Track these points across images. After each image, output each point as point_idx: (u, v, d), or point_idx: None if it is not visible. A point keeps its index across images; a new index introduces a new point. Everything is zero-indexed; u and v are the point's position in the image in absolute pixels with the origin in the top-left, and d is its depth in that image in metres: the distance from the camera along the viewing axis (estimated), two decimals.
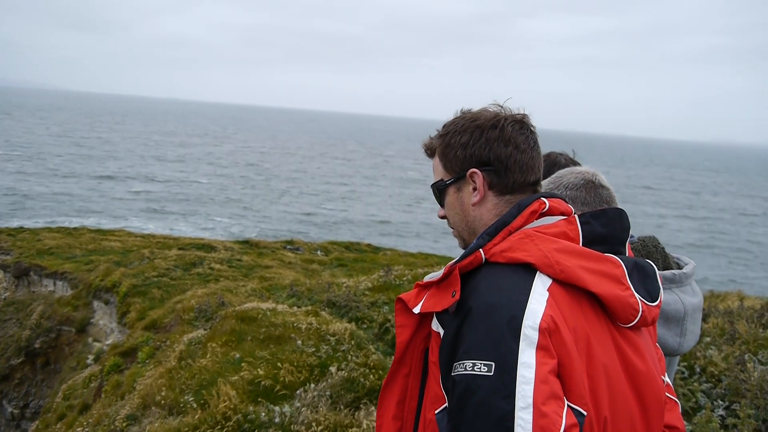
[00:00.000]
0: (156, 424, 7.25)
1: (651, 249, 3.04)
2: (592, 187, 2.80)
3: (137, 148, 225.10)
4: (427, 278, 2.02)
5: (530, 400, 1.62)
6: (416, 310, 1.98)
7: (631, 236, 3.09)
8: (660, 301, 2.04)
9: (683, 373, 6.66)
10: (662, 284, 2.10)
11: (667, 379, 2.33)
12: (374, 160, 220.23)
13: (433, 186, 2.19)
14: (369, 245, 33.42)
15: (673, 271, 2.97)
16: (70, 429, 11.63)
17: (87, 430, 10.25)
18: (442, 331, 1.88)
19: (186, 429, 6.70)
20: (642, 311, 1.92)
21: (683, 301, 2.91)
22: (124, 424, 8.50)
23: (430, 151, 2.22)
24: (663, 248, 3.08)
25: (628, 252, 2.09)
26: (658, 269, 2.86)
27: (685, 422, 2.76)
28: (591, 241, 1.95)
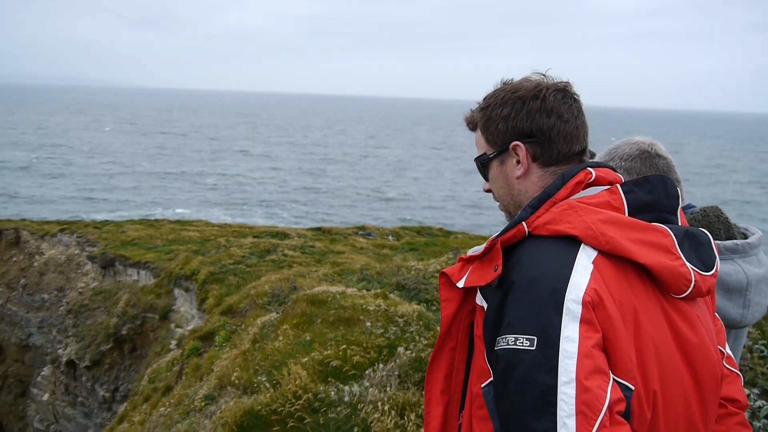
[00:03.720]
0: (231, 403, 7.44)
1: (712, 219, 2.93)
2: (647, 156, 2.72)
3: (211, 142, 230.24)
4: (470, 252, 2.00)
5: (573, 375, 1.59)
6: (460, 284, 1.96)
7: (693, 206, 3.00)
8: (716, 271, 1.96)
9: (762, 351, 6.41)
10: (722, 254, 2.02)
11: (728, 350, 2.25)
12: (446, 142, 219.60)
13: (476, 160, 2.16)
14: (440, 229, 33.34)
15: (735, 240, 2.86)
16: (155, 409, 12.06)
17: (169, 410, 10.61)
18: (485, 305, 1.86)
19: (259, 407, 6.84)
20: (695, 281, 1.86)
21: (746, 272, 2.80)
22: (203, 404, 8.77)
23: (471, 124, 2.19)
24: (726, 218, 2.97)
25: (681, 221, 2.03)
26: (720, 239, 2.75)
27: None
28: (636, 209, 1.90)
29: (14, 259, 33.90)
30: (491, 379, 1.82)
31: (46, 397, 27.85)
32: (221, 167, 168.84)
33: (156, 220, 35.82)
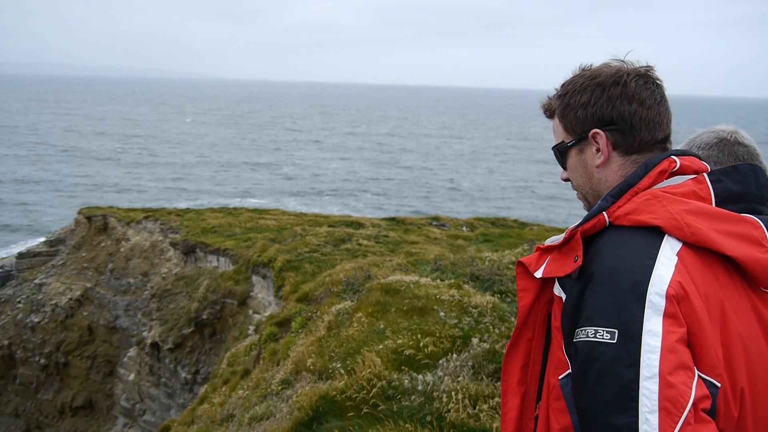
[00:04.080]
0: (307, 388, 7.55)
1: None
2: (726, 144, 2.62)
3: (287, 132, 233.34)
4: (548, 242, 1.97)
5: (656, 370, 1.55)
6: (537, 274, 1.94)
7: None
8: None
9: None
10: None
11: None
12: (522, 133, 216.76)
13: (554, 148, 2.12)
14: (515, 221, 32.95)
15: None
16: (234, 392, 12.36)
17: (247, 392, 10.86)
18: (564, 296, 1.83)
19: (334, 393, 6.93)
20: None
21: None
22: (279, 388, 8.94)
23: (549, 112, 2.14)
24: None
25: None
26: None
27: None
28: (724, 200, 1.84)
29: (102, 244, 35.26)
30: (569, 371, 1.79)
31: (132, 377, 28.89)
32: (297, 157, 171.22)
33: (234, 209, 36.62)
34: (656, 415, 1.52)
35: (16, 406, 34.62)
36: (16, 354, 34.74)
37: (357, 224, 26.98)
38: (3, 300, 39.01)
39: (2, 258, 56.40)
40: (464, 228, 29.00)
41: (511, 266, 12.23)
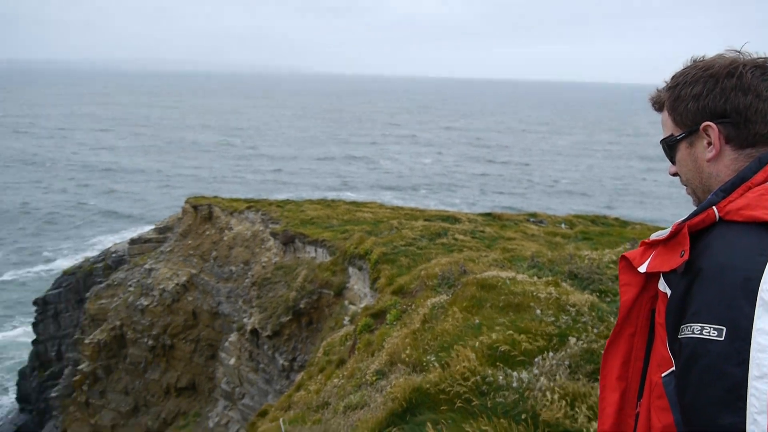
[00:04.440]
0: (401, 380, 7.59)
1: None
2: None
3: (385, 126, 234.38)
4: (653, 236, 1.92)
5: (766, 370, 1.49)
6: (642, 269, 1.90)
7: None
8: None
9: None
10: None
11: None
12: (625, 128, 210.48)
13: (662, 142, 2.06)
14: (617, 219, 32.08)
15: None
16: (329, 380, 12.57)
17: (342, 381, 11.02)
18: (669, 292, 1.79)
19: (428, 385, 6.94)
20: None
21: None
22: (374, 378, 9.03)
23: (657, 104, 2.09)
24: None
25: None
26: None
27: None
28: None
29: (207, 233, 36.55)
30: (673, 368, 1.74)
31: (232, 361, 29.83)
32: (393, 152, 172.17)
33: (332, 201, 37.17)
34: (765, 416, 1.47)
35: (125, 384, 36.41)
36: (126, 335, 36.53)
37: (453, 219, 26.90)
38: (116, 283, 41.09)
39: (116, 243, 59.46)
40: (563, 225, 28.44)
41: (611, 265, 11.90)
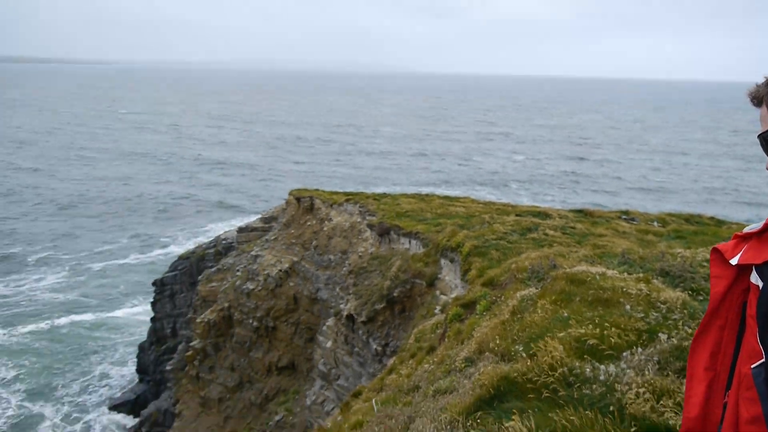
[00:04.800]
0: (489, 368, 7.54)
1: None
2: None
3: (477, 124, 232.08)
4: (746, 229, 1.85)
5: None
6: (733, 261, 1.83)
7: None
8: None
9: None
10: None
11: None
12: (723, 127, 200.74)
13: (760, 137, 1.97)
14: (712, 218, 30.64)
15: None
16: (419, 366, 12.61)
17: (432, 367, 11.04)
18: (761, 284, 1.72)
19: (515, 374, 6.87)
20: None
21: None
22: (462, 365, 9.01)
23: (756, 99, 1.99)
24: None
25: None
26: None
27: None
28: None
29: (308, 223, 37.29)
30: (763, 360, 1.69)
31: (329, 344, 30.35)
32: (487, 148, 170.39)
33: (426, 195, 37.15)
34: None
35: (232, 361, 37.68)
36: (234, 315, 37.76)
37: (544, 215, 26.41)
38: (225, 268, 42.53)
39: (226, 231, 61.53)
40: (655, 223, 27.39)
41: (705, 264, 11.38)
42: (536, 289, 11.28)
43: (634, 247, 17.72)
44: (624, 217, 28.20)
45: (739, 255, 1.83)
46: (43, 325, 65.79)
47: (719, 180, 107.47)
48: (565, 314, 8.61)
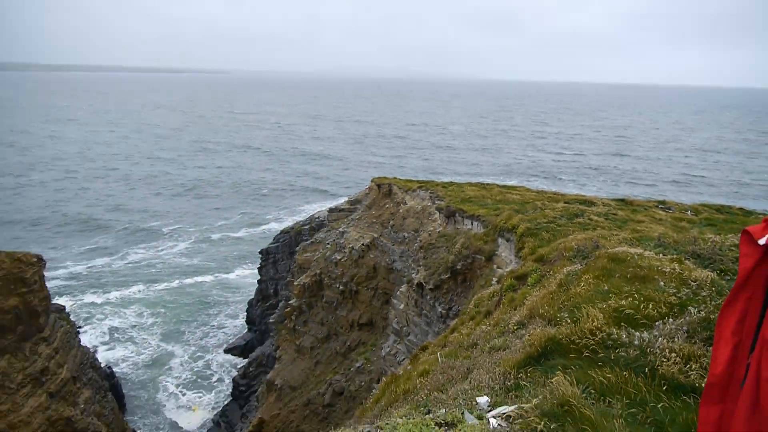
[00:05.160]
0: (538, 330, 7.47)
1: None
2: None
3: (535, 125, 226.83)
4: None
5: None
6: (761, 241, 1.78)
7: None
8: None
9: None
10: None
11: None
12: (758, 129, 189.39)
13: None
14: (741, 209, 29.09)
15: None
16: (477, 327, 12.57)
17: (489, 328, 10.99)
18: None
19: (560, 336, 6.79)
20: None
21: None
22: (515, 327, 8.94)
23: None
24: None
25: None
26: None
27: None
28: None
29: (386, 205, 37.48)
30: None
31: (402, 306, 30.56)
32: (539, 145, 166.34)
33: (488, 184, 36.69)
34: None
35: (322, 317, 38.47)
36: (324, 280, 38.47)
37: (589, 202, 25.69)
38: (318, 241, 43.30)
39: (319, 211, 62.58)
40: (689, 212, 26.21)
41: (733, 248, 10.86)
42: (581, 265, 11.04)
43: (669, 232, 17.03)
44: (661, 206, 27.10)
45: (767, 236, 1.79)
46: (174, 284, 68.84)
47: (749, 176, 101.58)
48: (606, 288, 8.41)
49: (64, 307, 42.54)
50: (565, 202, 25.64)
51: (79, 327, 53.22)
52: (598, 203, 25.35)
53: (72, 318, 46.40)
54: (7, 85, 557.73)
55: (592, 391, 5.53)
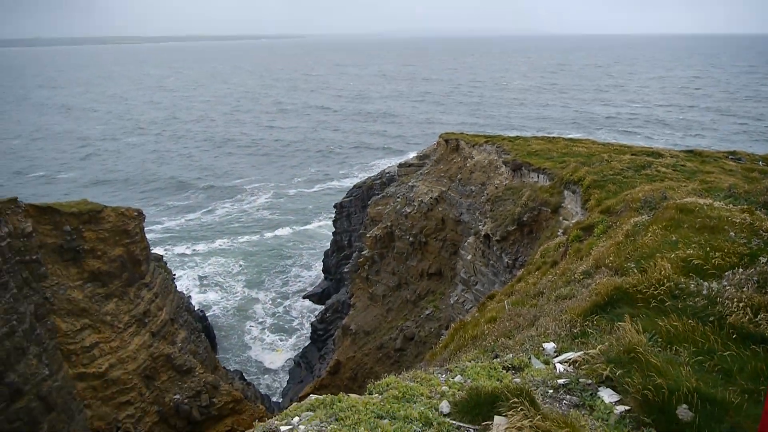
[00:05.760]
0: (604, 280, 7.33)
1: None
2: None
3: (601, 78, 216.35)
4: None
5: None
6: None
7: None
8: None
9: None
10: None
11: None
12: None
13: None
14: None
15: None
16: (544, 276, 12.44)
17: (555, 278, 10.86)
18: None
19: (627, 286, 6.63)
20: None
21: None
22: (581, 277, 8.80)
23: None
24: None
25: None
26: None
27: None
28: None
29: (454, 160, 37.10)
30: None
31: (469, 257, 30.56)
32: (607, 98, 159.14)
33: (553, 138, 35.58)
34: None
35: (393, 267, 39.03)
36: (394, 232, 38.86)
37: (657, 154, 24.50)
38: (388, 195, 43.55)
39: (389, 166, 62.71)
40: (760, 163, 24.54)
41: None
42: (648, 216, 10.66)
43: (739, 183, 16.09)
44: (731, 156, 25.50)
45: None
46: (255, 237, 71.42)
47: None
48: (674, 238, 8.11)
49: (161, 256, 45.04)
50: (632, 154, 24.56)
51: (174, 275, 56.49)
52: (666, 155, 24.14)
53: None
54: (107, 56, 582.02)
55: (659, 339, 5.41)
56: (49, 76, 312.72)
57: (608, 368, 4.71)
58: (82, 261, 29.99)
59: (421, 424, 4.07)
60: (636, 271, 7.22)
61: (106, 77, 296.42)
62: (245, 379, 42.87)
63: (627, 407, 4.27)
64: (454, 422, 4.10)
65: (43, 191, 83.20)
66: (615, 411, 4.28)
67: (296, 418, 4.28)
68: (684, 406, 3.97)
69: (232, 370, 43.73)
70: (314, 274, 61.98)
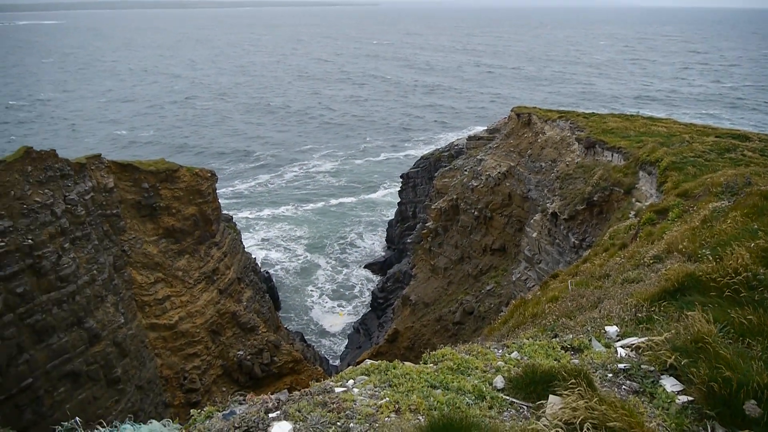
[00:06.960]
0: (676, 265, 7.03)
1: None
2: None
3: (675, 55, 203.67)
4: None
5: None
6: None
7: None
8: None
9: None
10: None
11: None
12: None
13: None
14: None
15: None
16: (611, 258, 12.07)
17: (623, 261, 10.52)
18: None
19: (700, 273, 6.33)
20: None
21: None
22: (651, 261, 8.48)
23: None
24: None
25: None
26: None
27: None
28: None
29: (525, 135, 36.22)
30: None
31: (534, 234, 30.02)
32: (688, 73, 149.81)
33: (631, 115, 34.04)
34: None
35: (456, 240, 38.90)
36: (460, 205, 38.60)
37: (744, 137, 23.00)
38: (456, 167, 43.20)
39: (458, 139, 62.03)
40: None
41: None
42: (729, 202, 10.09)
43: None
44: None
45: None
46: (320, 204, 72.67)
47: None
48: (755, 226, 7.64)
49: (231, 217, 46.69)
50: (716, 136, 23.17)
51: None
52: (754, 138, 22.62)
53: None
54: (182, 20, 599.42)
55: (731, 330, 5.16)
56: (153, 38, 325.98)
57: (673, 356, 4.55)
58: (157, 217, 31.53)
59: (474, 397, 4.09)
60: (711, 258, 6.87)
61: (185, 40, 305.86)
62: (305, 341, 44.23)
63: (690, 398, 4.12)
64: (507, 398, 4.10)
65: (126, 153, 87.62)
66: (677, 401, 4.14)
67: (351, 381, 4.39)
68: (752, 401, 3.79)
69: (293, 331, 45.19)
70: (376, 242, 62.66)
